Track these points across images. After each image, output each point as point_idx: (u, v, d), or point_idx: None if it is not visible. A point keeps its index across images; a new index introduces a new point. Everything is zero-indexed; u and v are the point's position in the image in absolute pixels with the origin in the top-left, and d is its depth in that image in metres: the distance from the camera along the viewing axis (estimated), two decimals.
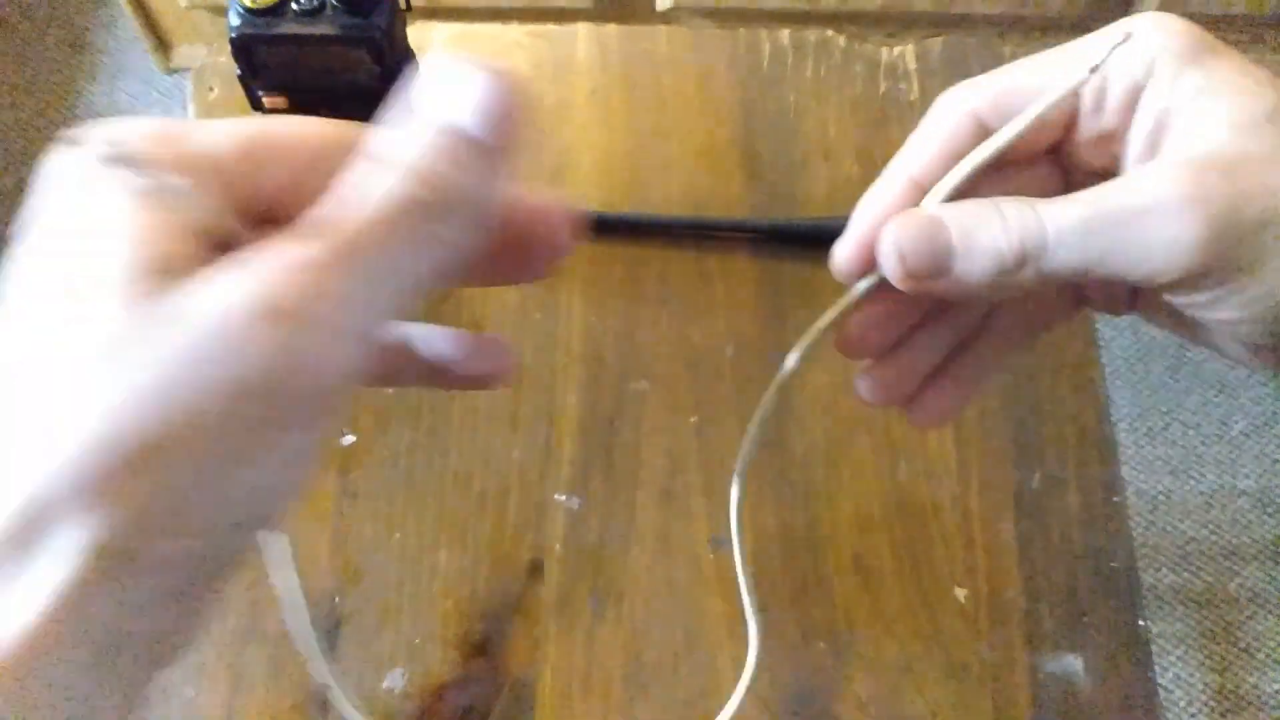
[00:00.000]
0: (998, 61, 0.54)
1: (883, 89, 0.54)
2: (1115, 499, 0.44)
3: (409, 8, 0.38)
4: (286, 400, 0.16)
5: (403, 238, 0.17)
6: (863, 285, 0.24)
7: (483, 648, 0.41)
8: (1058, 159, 0.24)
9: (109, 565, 0.15)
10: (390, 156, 0.17)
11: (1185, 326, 0.23)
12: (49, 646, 0.15)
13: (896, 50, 0.55)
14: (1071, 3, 1.13)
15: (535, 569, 0.42)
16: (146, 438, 0.15)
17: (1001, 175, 0.24)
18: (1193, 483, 1.04)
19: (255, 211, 0.18)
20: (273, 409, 0.15)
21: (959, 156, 0.23)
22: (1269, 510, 1.03)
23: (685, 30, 0.56)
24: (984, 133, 0.23)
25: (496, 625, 0.41)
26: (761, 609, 0.42)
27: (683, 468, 0.44)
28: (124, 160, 0.16)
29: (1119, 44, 0.21)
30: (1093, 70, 0.21)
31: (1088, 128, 0.22)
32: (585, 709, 0.40)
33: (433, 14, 1.08)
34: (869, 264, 0.24)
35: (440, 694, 0.40)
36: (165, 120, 0.18)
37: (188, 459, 0.15)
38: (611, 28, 0.56)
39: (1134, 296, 0.25)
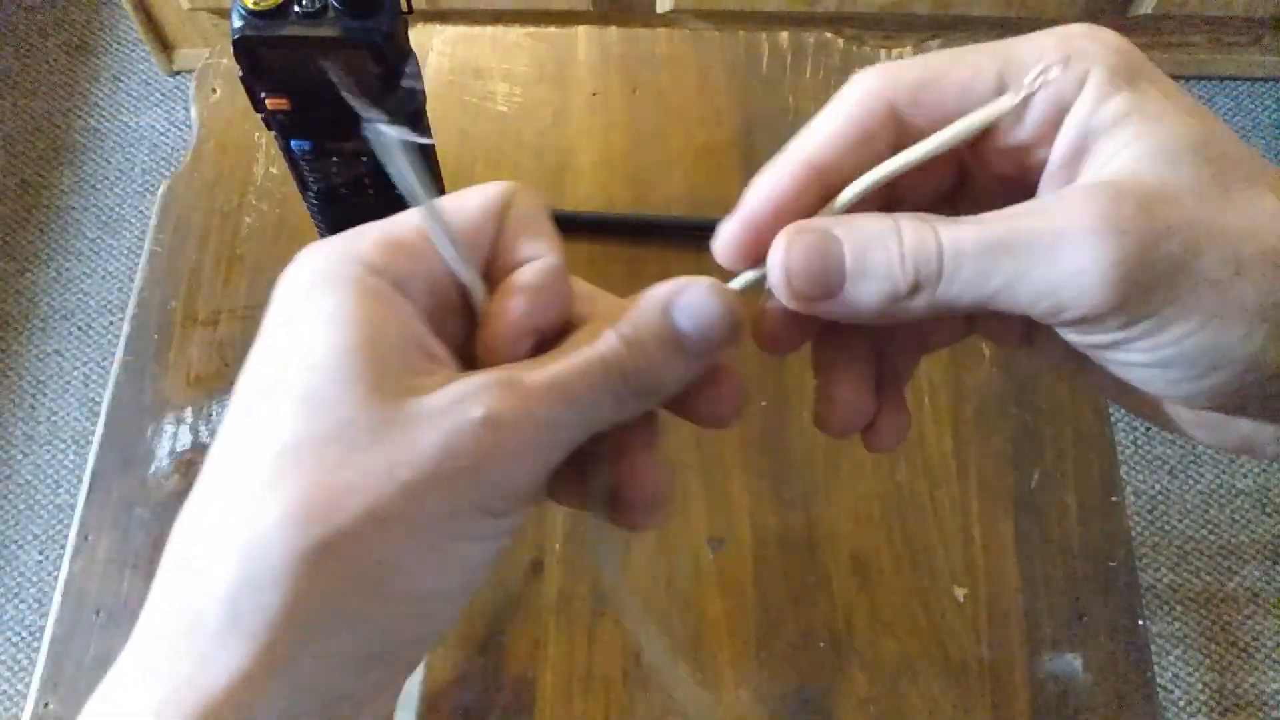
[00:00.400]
0: None
1: None
2: (1114, 498, 0.44)
3: (410, 10, 0.39)
4: (490, 491, 0.18)
5: (601, 395, 0.20)
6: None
7: (483, 648, 0.41)
8: (959, 155, 0.22)
9: (317, 624, 0.17)
10: (620, 321, 0.20)
11: (1082, 374, 0.22)
12: (259, 694, 0.17)
13: (895, 52, 0.55)
14: (1070, 4, 1.13)
15: (535, 569, 0.43)
16: (368, 512, 0.17)
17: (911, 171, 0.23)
18: (1191, 482, 1.05)
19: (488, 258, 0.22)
20: (478, 498, 0.18)
21: (865, 144, 0.21)
22: (1267, 510, 1.03)
23: (685, 32, 0.56)
24: (894, 122, 0.21)
25: (496, 625, 0.41)
26: (761, 608, 0.42)
27: (683, 468, 0.45)
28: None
29: (1051, 68, 0.20)
30: (1024, 99, 0.20)
31: (1005, 136, 0.21)
32: (585, 709, 0.40)
33: (434, 16, 1.08)
34: (752, 252, 0.22)
35: (440, 694, 0.40)
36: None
37: (404, 532, 0.17)
38: (612, 30, 0.56)
39: (1029, 330, 0.23)
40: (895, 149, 0.21)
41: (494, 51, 0.55)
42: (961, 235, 0.19)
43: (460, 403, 0.18)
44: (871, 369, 0.24)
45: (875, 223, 0.20)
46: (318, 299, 0.19)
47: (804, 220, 0.21)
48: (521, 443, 0.18)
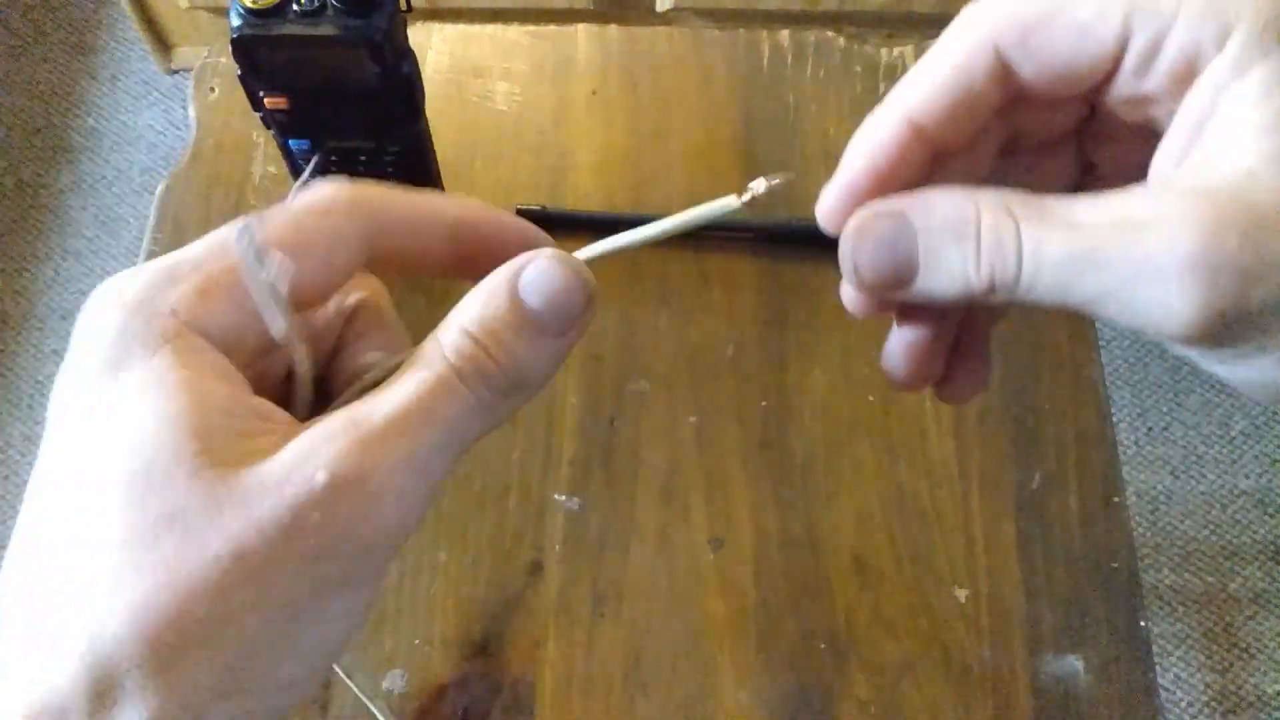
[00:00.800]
0: None
1: (882, 90, 0.54)
2: (1116, 499, 0.44)
3: (409, 8, 0.38)
4: (348, 561, 0.17)
5: (464, 409, 0.18)
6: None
7: (483, 648, 0.41)
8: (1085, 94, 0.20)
9: None
10: (461, 316, 0.18)
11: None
12: None
13: (896, 51, 0.55)
14: None
15: (535, 569, 0.42)
16: (215, 606, 0.15)
17: (1027, 114, 0.20)
18: (1193, 483, 1.04)
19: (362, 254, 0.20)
20: (336, 569, 0.16)
21: (967, 97, 0.19)
22: (1269, 510, 1.03)
23: (685, 31, 0.56)
24: (1001, 70, 0.19)
25: (496, 625, 0.41)
26: (762, 609, 0.42)
27: (683, 468, 0.44)
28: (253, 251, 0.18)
29: (775, 178, 0.19)
30: (745, 202, 0.19)
31: (1126, 85, 0.19)
32: (585, 709, 0.40)
33: (433, 15, 1.08)
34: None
35: (440, 694, 0.40)
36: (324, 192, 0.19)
37: (257, 622, 0.16)
38: (612, 28, 0.56)
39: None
40: (1004, 100, 0.20)
41: (493, 50, 0.55)
42: (1046, 241, 0.17)
43: (300, 467, 0.16)
44: (958, 314, 0.23)
45: (953, 210, 0.18)
46: (130, 364, 0.17)
47: (878, 203, 0.20)
48: (378, 497, 0.16)
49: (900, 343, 0.23)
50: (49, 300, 1.16)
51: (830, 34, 0.55)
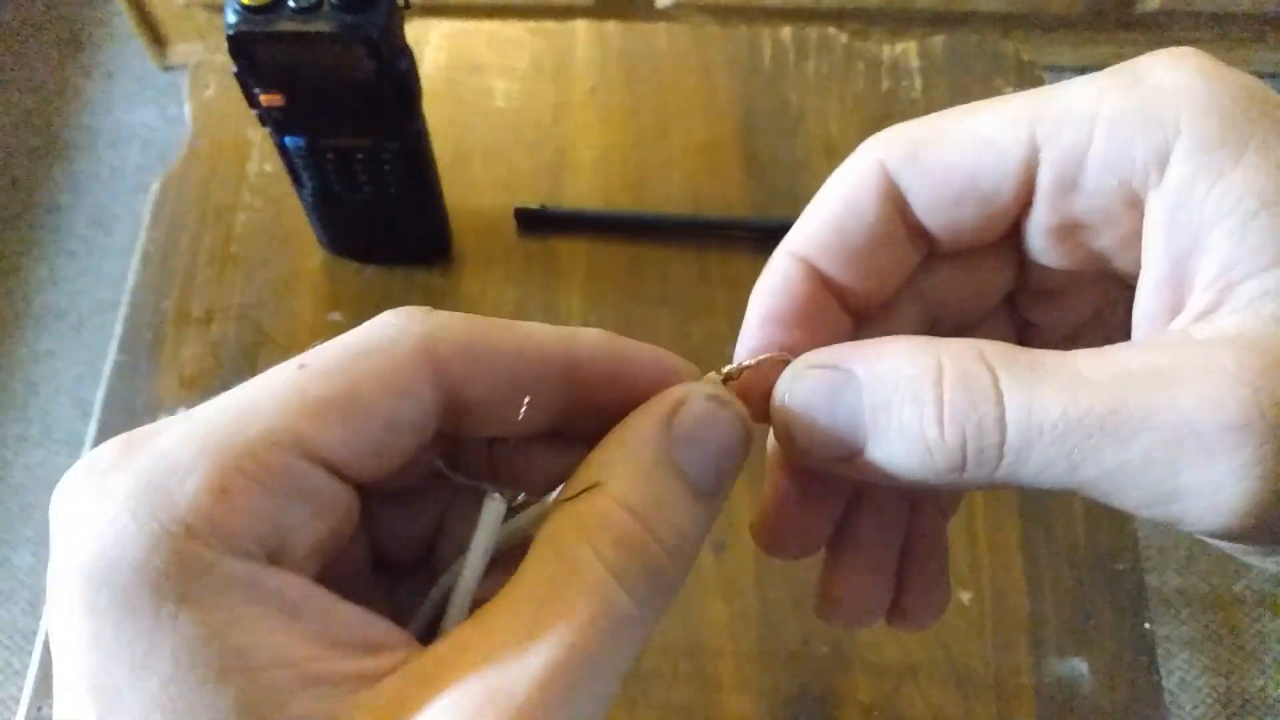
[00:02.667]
0: (999, 59, 0.54)
1: (885, 87, 0.53)
2: None
3: (407, 4, 0.38)
4: None
5: (629, 633, 0.13)
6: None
7: None
8: (1013, 245, 0.17)
9: None
10: (617, 490, 0.14)
11: None
12: None
13: (899, 47, 0.54)
14: (1074, 1, 1.12)
15: None
16: None
17: (947, 270, 0.17)
18: None
19: (455, 409, 0.15)
20: None
21: (860, 223, 0.16)
22: None
23: (686, 28, 0.55)
24: (892, 193, 0.16)
25: None
26: (763, 612, 0.41)
27: None
28: None
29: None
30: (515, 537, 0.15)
31: (1049, 212, 0.15)
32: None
33: (431, 11, 1.07)
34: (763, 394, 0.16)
35: None
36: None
37: None
38: (612, 25, 0.55)
39: None
40: (905, 223, 0.16)
41: (492, 46, 0.54)
42: (1039, 399, 0.13)
43: None
44: (899, 538, 0.18)
45: (908, 360, 0.14)
46: (135, 644, 0.12)
47: (816, 353, 0.16)
48: None
49: (835, 567, 0.18)
50: (44, 299, 1.15)
51: (832, 30, 0.55)
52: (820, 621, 0.41)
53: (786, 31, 0.55)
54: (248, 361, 0.46)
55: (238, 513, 0.13)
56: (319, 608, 0.13)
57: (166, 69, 1.27)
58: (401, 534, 0.17)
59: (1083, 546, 0.43)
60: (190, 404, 0.46)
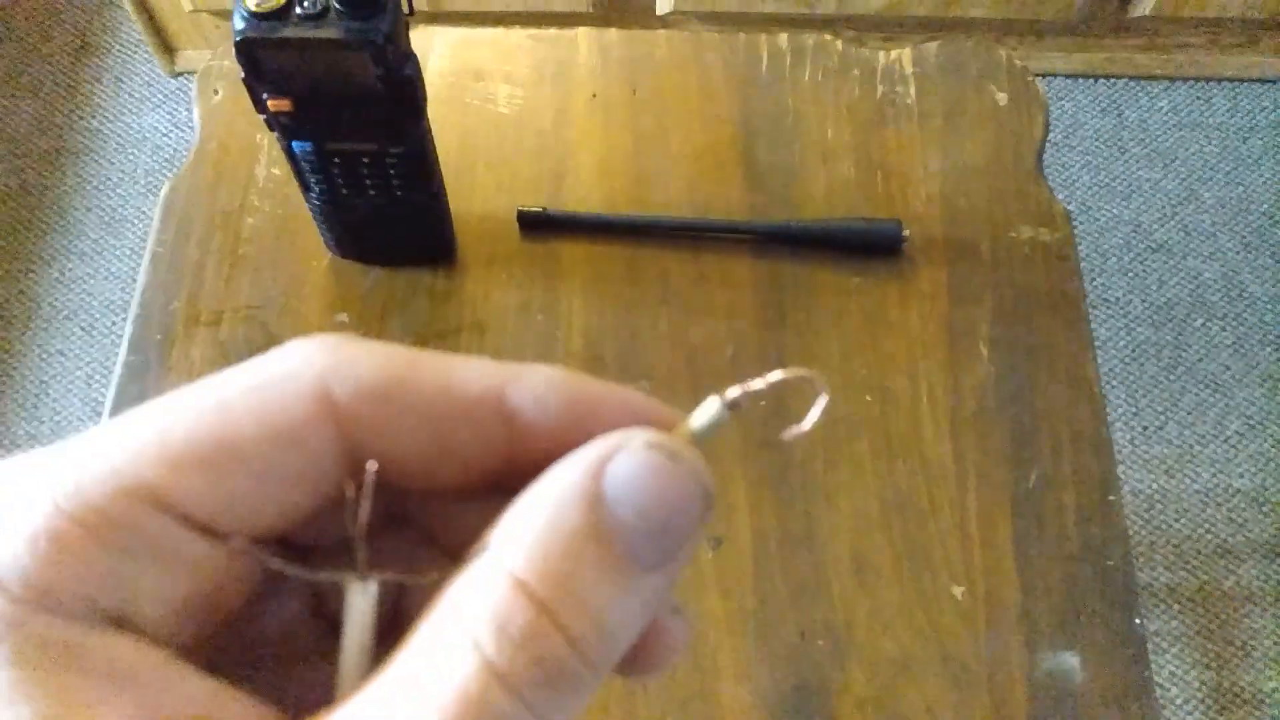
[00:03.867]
0: (993, 65, 0.55)
1: (880, 92, 0.54)
2: (1111, 498, 0.44)
3: (412, 11, 0.39)
4: None
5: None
6: None
7: None
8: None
9: None
10: (518, 562, 0.11)
11: None
12: None
13: (894, 54, 0.55)
14: (1067, 6, 1.13)
15: None
16: None
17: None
18: (1188, 481, 1.05)
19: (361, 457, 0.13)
20: None
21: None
22: (1264, 509, 1.03)
23: (685, 35, 0.56)
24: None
25: None
26: (760, 607, 0.42)
27: None
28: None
29: None
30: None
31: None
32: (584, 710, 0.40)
33: (435, 18, 1.08)
34: None
35: None
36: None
37: None
38: (612, 32, 0.56)
39: None
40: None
41: (495, 53, 0.55)
42: None
43: None
44: None
45: None
46: None
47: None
48: None
49: None
50: (53, 301, 1.16)
51: (828, 37, 0.56)
52: (817, 617, 0.42)
53: (783, 38, 0.56)
54: None
55: (64, 568, 0.11)
56: (157, 680, 0.11)
57: (175, 75, 1.28)
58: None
59: (1074, 542, 0.43)
60: None
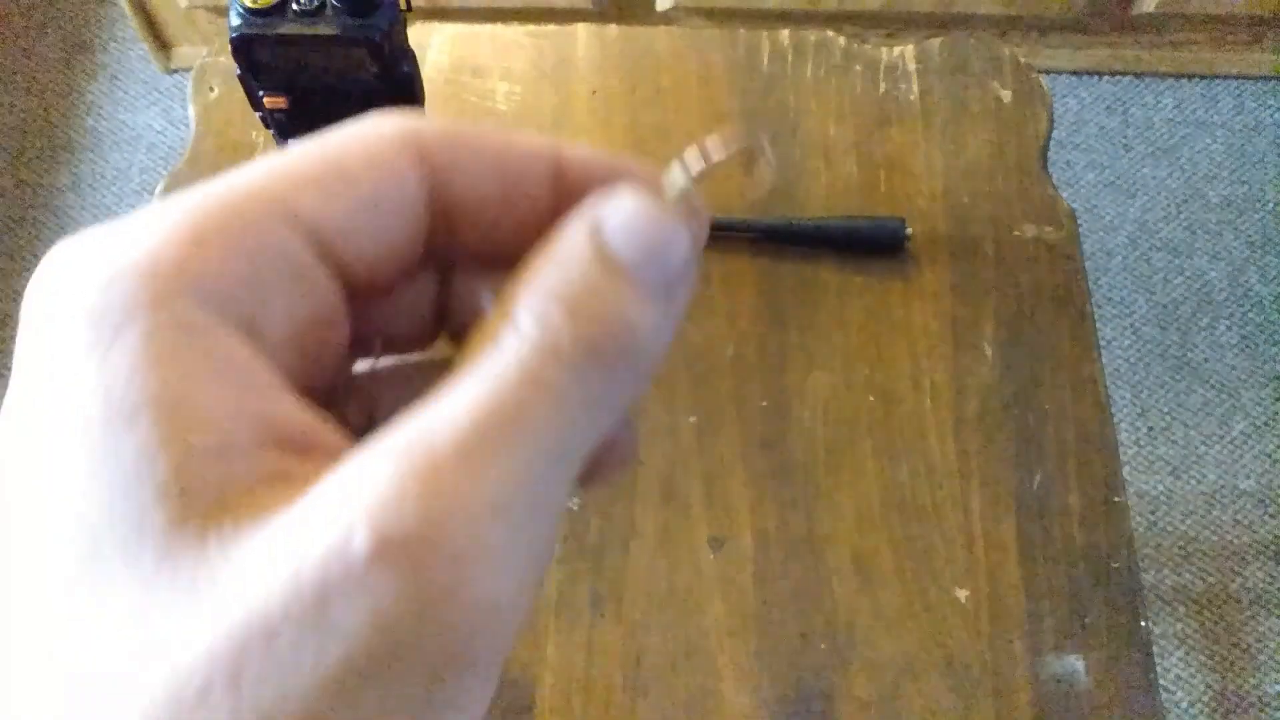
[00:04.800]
0: (996, 61, 0.54)
1: (882, 89, 0.54)
2: (1116, 499, 0.44)
3: (409, 8, 0.38)
4: (424, 685, 0.10)
5: (569, 408, 0.12)
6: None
7: None
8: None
9: None
10: (539, 278, 0.12)
11: None
12: None
13: (896, 50, 0.55)
14: (1071, 3, 1.12)
15: None
16: None
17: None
18: (1194, 483, 1.04)
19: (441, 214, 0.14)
20: (403, 695, 0.10)
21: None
22: (1270, 510, 1.03)
23: (685, 31, 0.56)
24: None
25: None
26: (762, 609, 0.42)
27: (683, 468, 0.44)
28: None
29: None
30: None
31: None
32: (585, 710, 0.40)
33: (433, 14, 1.08)
34: None
35: None
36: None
37: None
38: (612, 28, 0.55)
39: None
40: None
41: (493, 50, 0.55)
42: None
43: (326, 524, 0.10)
44: None
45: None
46: (78, 359, 0.11)
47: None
48: (461, 565, 0.10)
49: None
50: None
51: (830, 33, 0.55)
52: (818, 618, 0.41)
53: (785, 34, 0.55)
54: None
55: (206, 262, 0.11)
56: (273, 393, 0.12)
57: (171, 72, 1.28)
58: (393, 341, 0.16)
59: (1079, 544, 0.43)
60: None
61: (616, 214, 0.13)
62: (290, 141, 0.41)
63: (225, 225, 0.12)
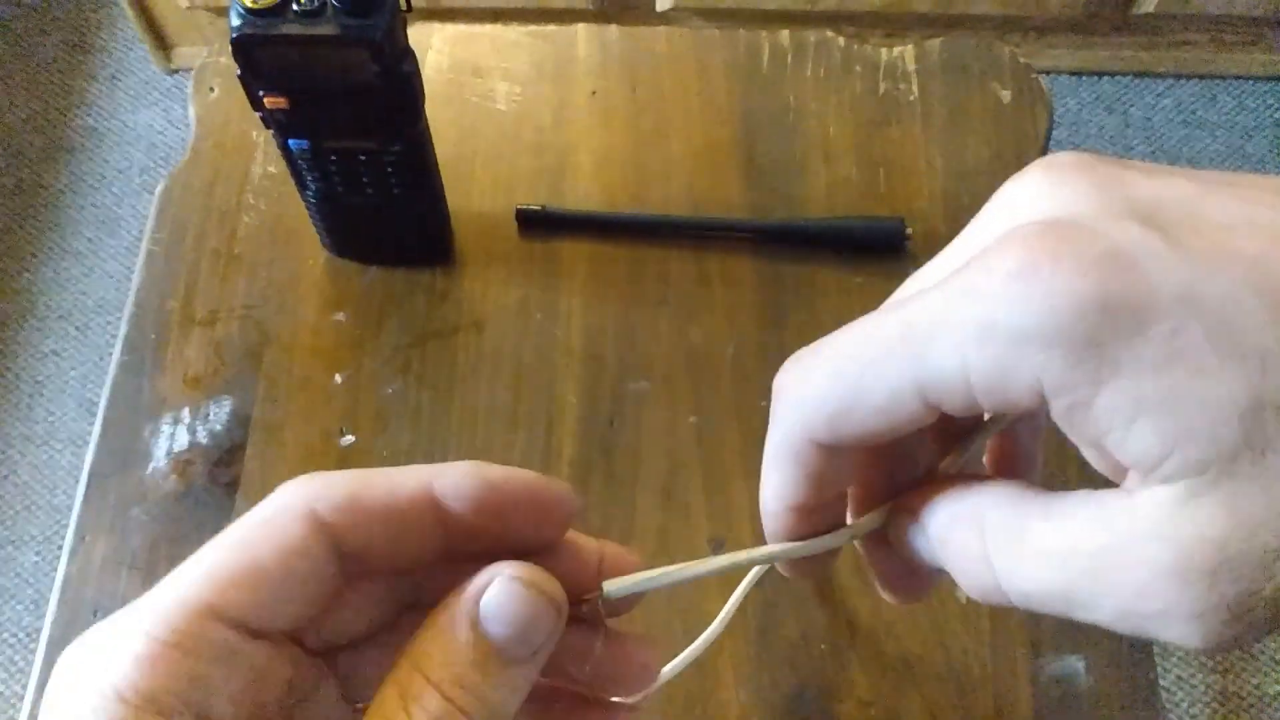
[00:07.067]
0: (996, 61, 0.54)
1: (882, 90, 0.54)
2: None
3: (409, 8, 0.38)
4: None
5: None
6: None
7: None
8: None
9: None
10: (429, 670, 0.17)
11: None
12: None
13: (896, 51, 0.55)
14: (1071, 3, 1.13)
15: None
16: None
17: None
18: None
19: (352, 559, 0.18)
20: None
21: (813, 475, 0.20)
22: None
23: (685, 31, 0.56)
24: (830, 450, 0.19)
25: None
26: (762, 609, 0.42)
27: (683, 468, 0.44)
28: None
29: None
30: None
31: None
32: None
33: (433, 14, 1.08)
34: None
35: None
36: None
37: None
38: (612, 28, 0.55)
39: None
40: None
41: (493, 50, 0.55)
42: (1016, 574, 0.16)
43: None
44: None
45: (944, 528, 0.18)
46: None
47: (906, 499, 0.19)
48: None
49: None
50: (47, 300, 1.16)
51: (830, 33, 0.55)
52: (818, 619, 0.41)
53: (785, 35, 0.55)
54: (251, 362, 0.47)
55: (162, 677, 0.15)
56: None
57: (171, 72, 1.28)
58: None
59: None
60: (194, 404, 0.47)
61: (493, 596, 0.17)
62: (290, 142, 0.41)
63: (170, 638, 0.16)
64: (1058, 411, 0.15)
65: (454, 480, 0.18)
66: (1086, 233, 0.15)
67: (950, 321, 0.16)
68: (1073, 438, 0.16)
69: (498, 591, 0.17)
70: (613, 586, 0.19)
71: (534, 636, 0.17)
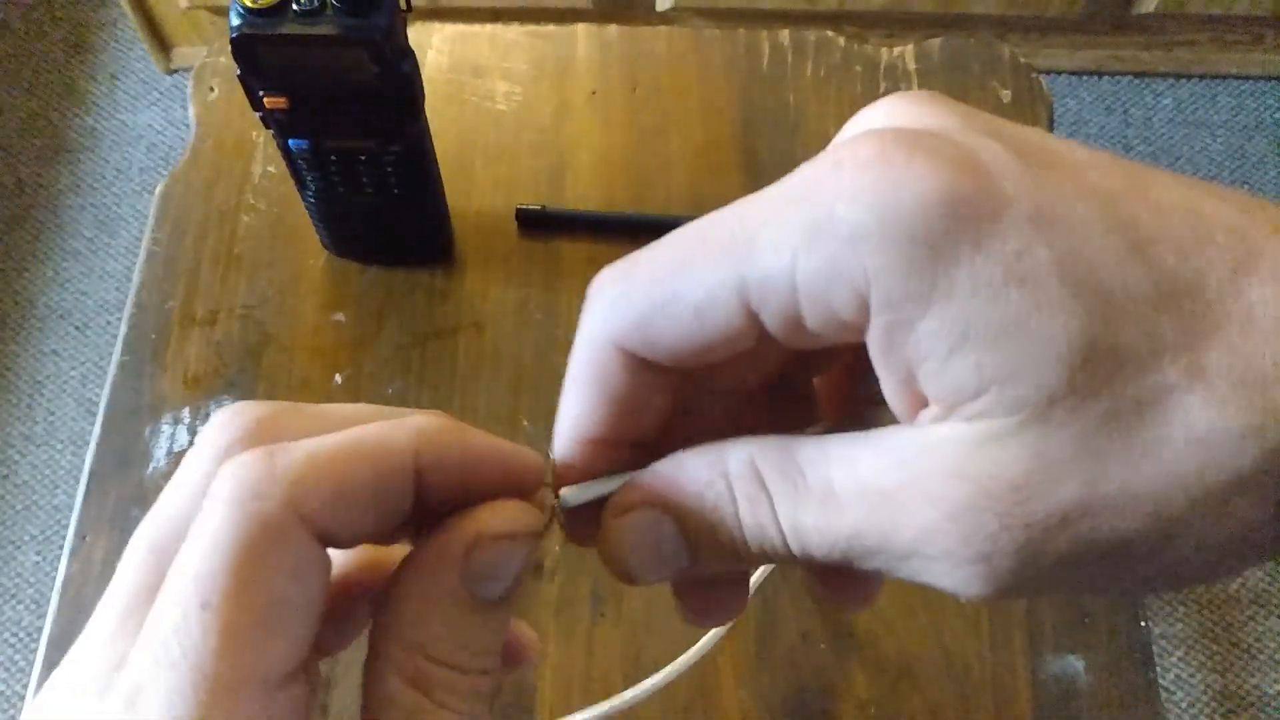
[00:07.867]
0: (996, 61, 0.54)
1: (882, 89, 0.54)
2: None
3: (409, 8, 0.38)
4: None
5: None
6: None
7: None
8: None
9: None
10: (424, 640, 0.16)
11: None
12: None
13: (896, 50, 0.55)
14: (1071, 3, 1.12)
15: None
16: None
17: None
18: None
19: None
20: None
21: (622, 407, 0.18)
22: None
23: (685, 31, 0.56)
24: (638, 365, 0.17)
25: None
26: (762, 609, 0.42)
27: None
28: None
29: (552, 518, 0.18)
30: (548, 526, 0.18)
31: (788, 341, 0.16)
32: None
33: (433, 14, 1.08)
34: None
35: None
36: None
37: None
38: (612, 28, 0.55)
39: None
40: (661, 375, 0.17)
41: (493, 50, 0.55)
42: (801, 522, 0.15)
43: None
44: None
45: (705, 494, 0.16)
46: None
47: (619, 501, 0.18)
48: None
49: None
50: (48, 300, 1.16)
51: (830, 33, 0.55)
52: (818, 619, 0.41)
53: (785, 34, 0.55)
54: (251, 361, 0.47)
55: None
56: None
57: (171, 71, 1.28)
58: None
59: None
60: (194, 404, 0.47)
61: (485, 557, 0.16)
62: (290, 142, 0.41)
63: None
64: (875, 333, 0.14)
65: (436, 455, 0.17)
66: (945, 140, 0.14)
67: (783, 216, 0.15)
68: (879, 367, 0.15)
69: (491, 553, 0.16)
70: (570, 493, 0.18)
71: (518, 573, 0.17)
